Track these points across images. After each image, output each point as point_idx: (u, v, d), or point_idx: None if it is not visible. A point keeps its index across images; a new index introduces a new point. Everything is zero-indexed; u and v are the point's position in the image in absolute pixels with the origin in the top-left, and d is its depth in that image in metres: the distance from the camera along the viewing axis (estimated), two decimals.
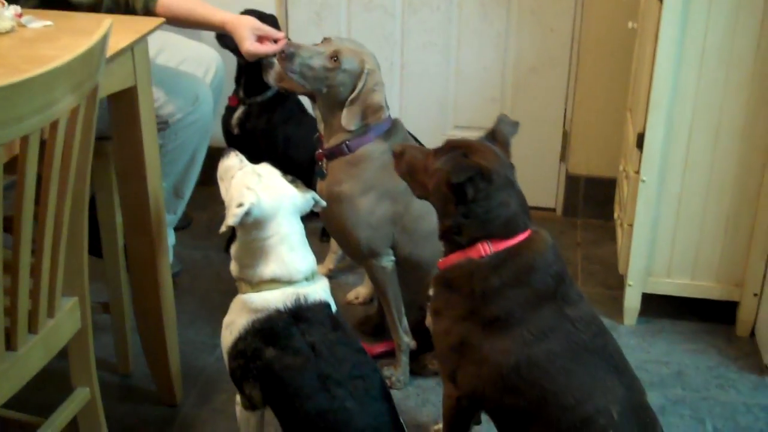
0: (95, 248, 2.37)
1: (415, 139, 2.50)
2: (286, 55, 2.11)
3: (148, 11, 2.17)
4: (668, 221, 2.51)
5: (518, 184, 1.77)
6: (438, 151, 1.76)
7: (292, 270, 1.79)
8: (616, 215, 2.88)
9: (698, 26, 2.30)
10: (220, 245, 2.98)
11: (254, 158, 2.94)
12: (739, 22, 2.28)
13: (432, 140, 2.86)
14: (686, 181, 2.46)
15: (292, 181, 1.87)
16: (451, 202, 1.68)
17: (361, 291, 2.75)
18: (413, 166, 1.79)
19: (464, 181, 1.64)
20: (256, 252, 1.79)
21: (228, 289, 1.93)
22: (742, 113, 2.37)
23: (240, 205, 1.73)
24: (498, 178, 1.69)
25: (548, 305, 1.66)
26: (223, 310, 1.88)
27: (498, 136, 1.84)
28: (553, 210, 3.31)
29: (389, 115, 2.23)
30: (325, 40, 2.21)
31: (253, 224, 1.77)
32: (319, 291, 1.79)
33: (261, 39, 2.28)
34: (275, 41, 2.29)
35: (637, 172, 2.49)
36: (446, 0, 3.09)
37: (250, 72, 2.78)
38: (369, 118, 2.15)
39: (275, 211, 1.78)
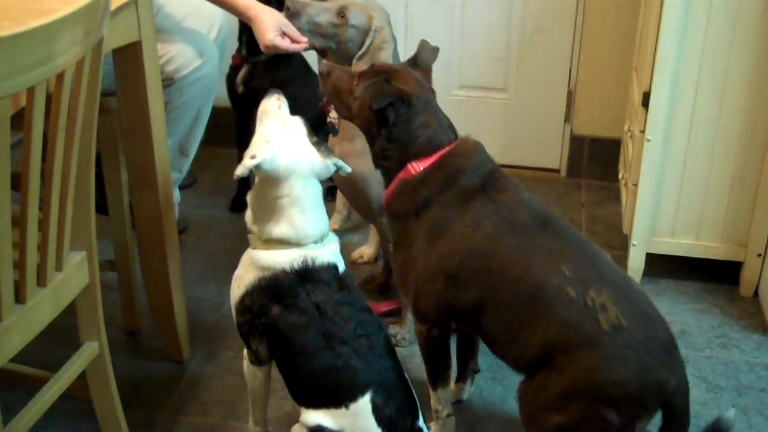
0: (101, 206, 2.37)
1: None
2: (292, 13, 2.10)
3: None
4: (673, 181, 2.50)
5: (439, 106, 1.85)
6: (363, 75, 1.84)
7: (300, 233, 1.77)
8: (620, 176, 2.87)
9: None
10: (225, 204, 2.99)
11: None
12: None
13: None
14: (691, 141, 2.45)
15: (315, 143, 1.80)
16: (374, 125, 1.79)
17: (365, 251, 2.75)
18: (339, 87, 1.87)
19: (385, 107, 1.74)
20: (267, 207, 1.77)
21: (233, 248, 1.93)
22: (748, 71, 2.35)
23: (253, 156, 1.72)
24: (417, 102, 1.77)
25: (478, 197, 1.74)
26: (229, 269, 1.88)
27: (419, 62, 1.92)
28: (558, 171, 3.31)
29: None
30: None
31: (266, 180, 1.75)
32: (327, 253, 1.79)
33: (283, 35, 2.20)
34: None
35: (642, 132, 2.48)
36: None
37: (252, 30, 2.75)
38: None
39: (289, 172, 1.74)
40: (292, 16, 2.10)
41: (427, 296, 1.80)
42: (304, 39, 2.19)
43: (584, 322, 1.60)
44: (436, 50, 2.03)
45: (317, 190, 1.80)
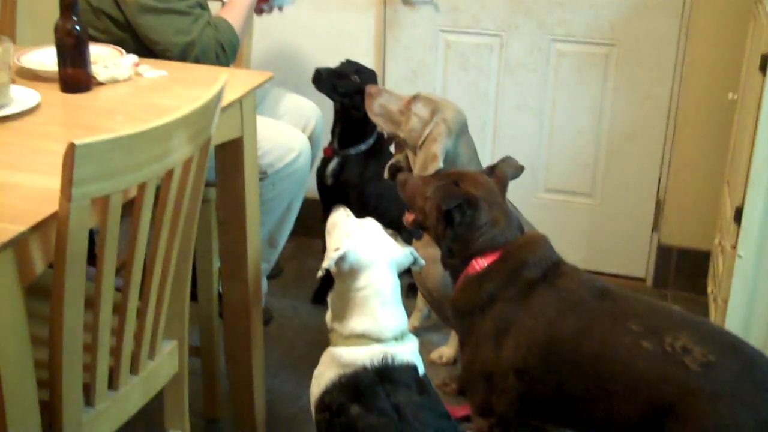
0: (191, 292, 2.43)
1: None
2: (369, 95, 2.28)
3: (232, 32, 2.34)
4: (765, 299, 2.43)
5: (510, 209, 1.94)
6: (433, 178, 1.97)
7: (382, 327, 1.79)
8: (709, 290, 2.81)
9: None
10: (308, 296, 3.02)
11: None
12: None
13: (522, 202, 2.87)
14: None
15: (392, 235, 1.89)
16: (442, 225, 1.87)
17: (445, 351, 2.74)
18: (413, 192, 1.97)
19: (452, 208, 1.82)
20: (348, 302, 1.81)
21: (314, 340, 1.95)
22: None
23: (337, 249, 1.76)
24: (484, 204, 1.85)
25: (540, 288, 1.78)
26: (309, 361, 1.89)
27: (497, 172, 2.00)
28: (643, 280, 3.25)
29: None
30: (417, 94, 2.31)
31: (348, 272, 1.79)
32: (407, 352, 1.79)
33: None
34: None
35: (734, 247, 2.43)
36: (542, 62, 3.11)
37: (345, 123, 2.84)
38: (428, 167, 2.17)
39: (371, 261, 1.80)
40: (370, 96, 2.27)
41: (501, 394, 1.79)
42: None
43: (672, 371, 1.56)
44: (519, 168, 2.09)
45: (397, 283, 1.84)
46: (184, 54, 2.27)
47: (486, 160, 3.18)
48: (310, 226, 3.18)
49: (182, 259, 1.66)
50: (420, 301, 2.89)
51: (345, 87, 2.79)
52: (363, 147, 2.88)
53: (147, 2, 2.24)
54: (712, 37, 2.92)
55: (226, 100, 1.89)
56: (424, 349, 2.74)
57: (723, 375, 1.54)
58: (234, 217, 2.08)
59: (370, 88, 2.31)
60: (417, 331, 2.85)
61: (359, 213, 3.04)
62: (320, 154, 2.93)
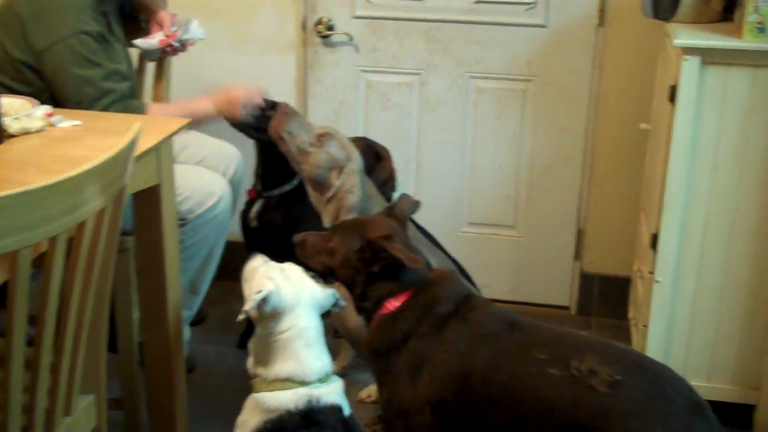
0: (110, 343, 2.37)
1: (427, 234, 2.52)
2: (284, 112, 2.25)
3: None
4: (683, 322, 2.50)
5: (417, 248, 1.94)
6: (337, 230, 1.96)
7: (306, 369, 1.78)
8: (630, 315, 2.87)
9: (711, 128, 2.34)
10: (234, 341, 2.98)
11: (271, 253, 2.99)
12: (751, 124, 2.32)
13: (447, 237, 2.89)
14: (701, 282, 2.46)
15: (313, 277, 1.89)
16: (360, 272, 1.87)
17: (373, 389, 2.72)
18: (315, 249, 1.95)
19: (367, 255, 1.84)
20: (271, 346, 1.79)
21: (240, 386, 1.93)
22: (756, 214, 2.38)
23: (259, 291, 1.75)
24: (396, 245, 1.85)
25: (452, 321, 1.79)
26: (235, 408, 1.86)
27: (395, 211, 2.02)
28: (567, 308, 3.31)
29: None
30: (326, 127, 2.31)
31: (270, 315, 1.78)
32: (333, 394, 1.78)
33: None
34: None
35: (652, 273, 2.49)
36: (462, 99, 3.16)
37: (267, 163, 2.83)
38: (341, 217, 2.18)
39: (294, 303, 1.79)
40: (283, 114, 2.24)
41: (417, 430, 1.79)
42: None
43: (581, 394, 1.58)
44: (416, 203, 2.13)
45: (320, 324, 1.84)
46: (95, 103, 2.26)
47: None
48: (235, 269, 3.07)
49: (98, 311, 1.63)
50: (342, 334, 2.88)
51: (260, 123, 2.78)
52: (287, 187, 2.86)
53: (75, 57, 2.23)
54: (623, 70, 3.01)
55: (142, 147, 1.87)
56: (353, 389, 2.75)
57: (631, 393, 1.57)
58: (153, 265, 2.05)
59: (285, 107, 2.26)
60: (345, 371, 2.84)
61: (285, 255, 3.03)
62: (243, 198, 2.91)
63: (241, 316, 1.77)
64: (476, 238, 3.29)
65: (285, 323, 1.78)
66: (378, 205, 2.28)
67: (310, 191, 2.30)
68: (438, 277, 1.90)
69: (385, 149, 2.73)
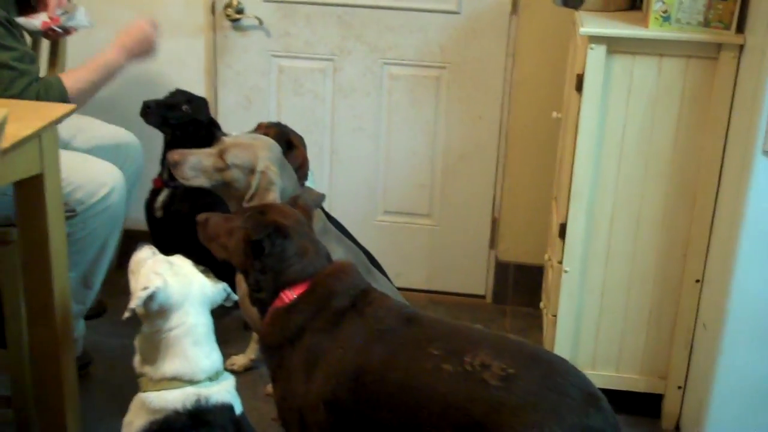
0: None
1: (340, 226, 2.47)
2: (174, 164, 2.15)
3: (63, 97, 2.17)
4: (592, 312, 2.49)
5: (317, 239, 1.89)
6: (238, 213, 1.90)
7: (194, 367, 1.73)
8: (542, 304, 2.86)
9: (617, 118, 2.33)
10: (136, 333, 2.87)
11: (178, 244, 2.89)
12: (656, 114, 2.31)
13: (361, 226, 2.85)
14: (608, 272, 2.46)
15: (203, 271, 1.83)
16: (250, 257, 1.79)
17: None
18: (216, 230, 1.88)
19: (262, 238, 1.76)
20: (159, 344, 1.74)
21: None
22: (661, 204, 2.38)
23: (145, 288, 1.68)
24: (293, 232, 1.81)
25: (348, 316, 1.75)
26: None
27: (300, 202, 1.97)
28: (483, 297, 3.29)
29: None
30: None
31: (158, 312, 1.72)
32: (223, 392, 1.73)
33: None
34: None
35: (560, 262, 2.48)
36: (376, 86, 3.11)
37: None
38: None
39: (183, 299, 1.74)
40: (175, 167, 2.14)
41: (313, 427, 1.74)
42: None
43: (474, 389, 1.56)
44: (321, 196, 2.11)
45: (209, 320, 1.79)
46: (11, 85, 2.16)
47: (324, 185, 3.18)
48: None
49: None
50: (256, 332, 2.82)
51: (176, 118, 2.70)
52: None
53: None
54: (536, 58, 2.98)
55: (22, 134, 1.77)
56: (261, 381, 2.69)
57: (524, 386, 1.55)
58: (37, 259, 1.95)
59: (171, 155, 2.16)
60: (254, 363, 2.77)
61: (193, 247, 2.95)
62: (147, 186, 2.82)
63: (126, 314, 1.70)
64: (391, 227, 3.25)
65: (173, 320, 1.73)
66: (297, 191, 2.21)
67: (232, 207, 2.20)
68: (336, 269, 1.84)
69: (298, 136, 2.66)
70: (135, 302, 1.68)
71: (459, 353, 1.62)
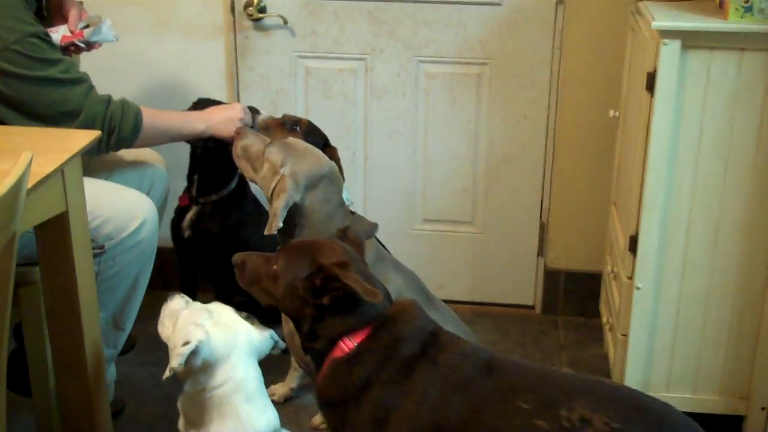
0: (23, 386, 2.06)
1: (380, 242, 2.27)
2: (238, 133, 2.10)
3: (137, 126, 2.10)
4: (666, 330, 2.29)
5: (374, 276, 1.70)
6: (283, 252, 1.68)
7: (249, 428, 1.57)
8: (604, 320, 2.65)
9: (693, 119, 2.11)
10: (167, 362, 2.67)
11: (207, 264, 2.71)
12: (736, 114, 2.10)
13: (399, 236, 2.67)
14: (684, 287, 2.25)
15: (246, 318, 1.63)
16: (307, 304, 1.59)
17: None
18: (257, 274, 1.68)
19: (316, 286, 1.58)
20: (205, 404, 1.57)
21: (178, 416, 1.68)
22: (742, 212, 2.18)
23: (186, 343, 1.49)
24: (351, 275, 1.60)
25: (420, 365, 1.57)
26: None
27: (350, 234, 1.80)
28: (532, 307, 3.08)
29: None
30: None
31: (201, 368, 1.55)
32: None
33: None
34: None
35: (630, 278, 2.27)
36: (411, 85, 2.89)
37: (205, 168, 2.53)
38: (271, 225, 1.94)
39: (228, 351, 1.57)
40: (237, 137, 2.11)
41: None
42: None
43: None
44: (373, 225, 1.93)
45: (259, 373, 1.63)
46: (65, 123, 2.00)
47: (359, 192, 2.97)
48: (167, 278, 2.86)
49: None
50: (295, 358, 2.61)
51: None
52: (225, 192, 2.59)
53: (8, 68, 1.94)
54: (587, 52, 2.77)
55: (43, 170, 1.56)
56: (305, 413, 2.49)
57: None
58: (64, 305, 1.75)
59: (239, 128, 2.10)
60: (295, 392, 2.57)
61: (224, 268, 2.74)
62: (173, 205, 2.61)
63: (167, 374, 1.51)
64: (432, 236, 3.04)
65: (219, 376, 1.55)
66: (341, 220, 2.01)
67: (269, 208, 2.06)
68: (400, 311, 1.64)
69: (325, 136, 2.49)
70: (176, 361, 1.49)
71: (552, 406, 1.45)
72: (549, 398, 1.47)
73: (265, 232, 1.93)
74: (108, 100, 2.09)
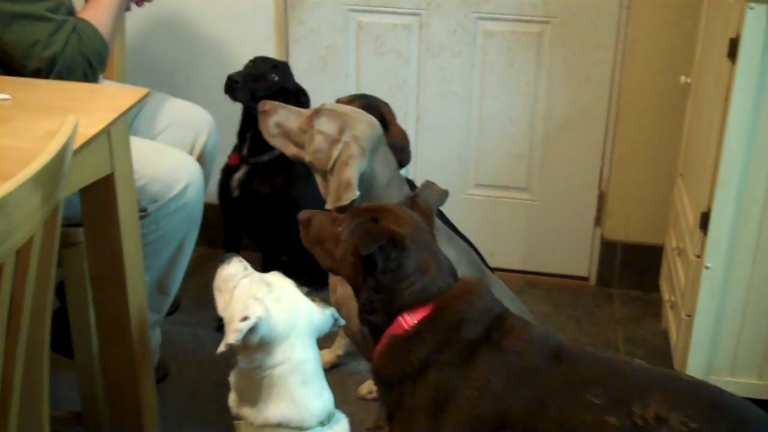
0: (66, 347, 2.01)
1: (445, 220, 2.16)
2: (263, 111, 1.92)
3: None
4: (734, 313, 2.17)
5: (440, 249, 1.59)
6: (348, 215, 1.59)
7: (304, 412, 1.49)
8: (666, 297, 2.54)
9: None
10: (212, 319, 2.61)
11: (255, 225, 2.63)
12: None
13: (451, 200, 2.55)
14: (757, 267, 2.12)
15: (307, 294, 1.54)
16: (360, 274, 1.51)
17: None
18: (321, 235, 1.61)
19: (374, 251, 1.47)
20: (260, 383, 1.49)
21: (222, 378, 1.62)
22: None
23: (245, 318, 1.41)
24: (412, 244, 1.51)
25: (483, 349, 1.47)
26: (217, 406, 1.58)
27: (420, 201, 1.69)
28: (587, 279, 2.97)
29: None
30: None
31: (258, 346, 1.46)
32: None
33: None
34: None
35: (699, 256, 2.15)
36: (468, 43, 2.76)
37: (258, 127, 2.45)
38: (342, 196, 1.81)
39: (288, 331, 1.48)
40: (264, 114, 1.92)
41: None
42: None
43: None
44: (444, 193, 1.77)
45: (317, 354, 1.54)
46: (45, 71, 1.84)
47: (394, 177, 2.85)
48: (214, 234, 2.81)
49: (34, 367, 1.26)
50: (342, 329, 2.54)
51: (265, 90, 2.42)
52: (276, 152, 2.49)
53: None
54: (657, 12, 2.61)
55: (90, 131, 1.47)
56: (351, 381, 2.42)
57: None
58: (109, 270, 1.67)
59: (263, 105, 1.92)
60: (342, 359, 2.50)
61: (272, 229, 2.65)
62: (219, 166, 2.53)
63: (221, 348, 1.43)
64: (484, 201, 2.93)
65: (277, 356, 1.47)
66: (397, 191, 1.90)
67: (319, 182, 1.93)
68: (465, 290, 1.53)
69: (387, 107, 2.34)
70: (233, 337, 1.41)
71: (625, 402, 1.35)
72: (621, 392, 1.37)
73: (329, 206, 1.82)
74: (76, 43, 1.92)
